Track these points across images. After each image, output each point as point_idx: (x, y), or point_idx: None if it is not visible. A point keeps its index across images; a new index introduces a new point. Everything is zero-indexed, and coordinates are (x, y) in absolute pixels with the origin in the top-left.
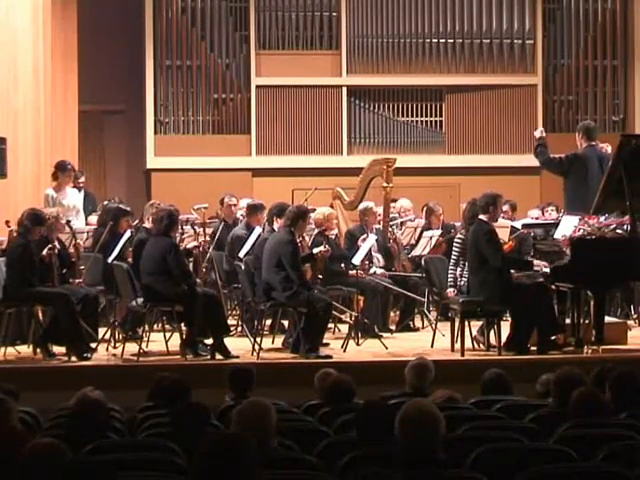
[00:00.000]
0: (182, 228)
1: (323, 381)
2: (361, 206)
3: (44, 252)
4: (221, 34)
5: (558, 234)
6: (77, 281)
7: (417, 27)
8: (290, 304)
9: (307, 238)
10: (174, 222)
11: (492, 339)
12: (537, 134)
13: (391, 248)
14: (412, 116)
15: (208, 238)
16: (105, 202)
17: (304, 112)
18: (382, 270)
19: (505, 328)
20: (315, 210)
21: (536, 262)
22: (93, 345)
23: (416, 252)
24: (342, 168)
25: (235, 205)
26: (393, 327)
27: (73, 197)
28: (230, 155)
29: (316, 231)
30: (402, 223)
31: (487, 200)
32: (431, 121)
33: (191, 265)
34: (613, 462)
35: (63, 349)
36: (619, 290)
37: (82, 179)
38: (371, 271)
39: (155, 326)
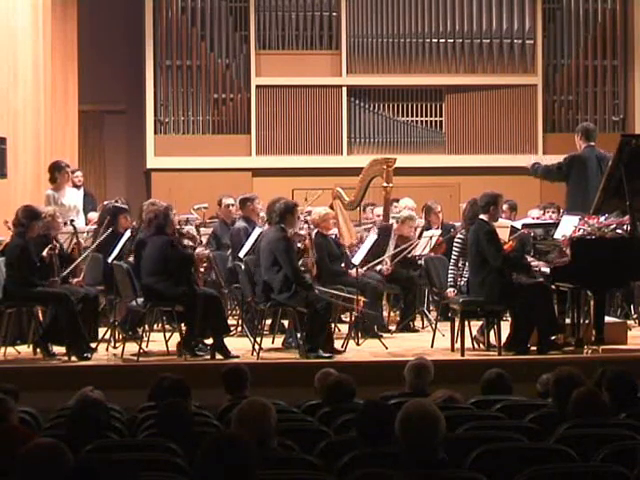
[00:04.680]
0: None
1: (323, 381)
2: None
3: (44, 253)
4: (221, 34)
5: (558, 234)
6: (76, 280)
7: (417, 27)
8: (290, 304)
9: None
10: (166, 218)
11: (492, 339)
12: (530, 161)
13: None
14: (412, 116)
15: (207, 238)
16: (105, 202)
17: (304, 112)
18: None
19: (505, 328)
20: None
21: (535, 262)
22: (93, 345)
23: (416, 252)
24: (342, 168)
25: (232, 205)
26: (393, 327)
27: (73, 197)
28: (230, 155)
29: (315, 231)
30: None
31: (488, 200)
32: (431, 121)
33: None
34: (613, 462)
35: (63, 349)
36: (619, 290)
37: (77, 173)
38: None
39: (155, 326)
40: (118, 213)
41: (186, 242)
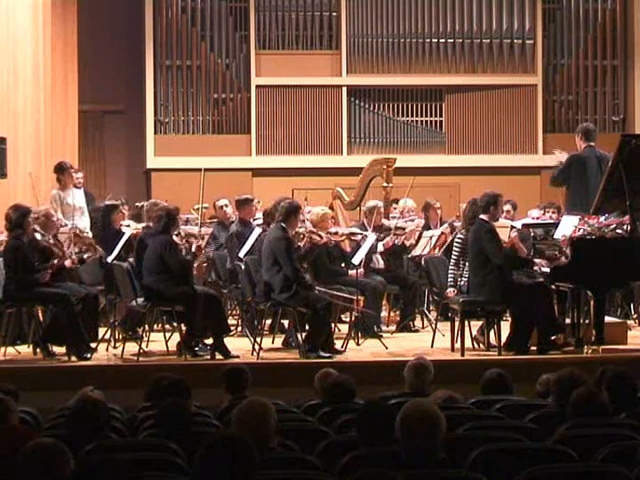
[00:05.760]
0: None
1: (323, 381)
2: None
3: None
4: (221, 34)
5: (558, 234)
6: (68, 260)
7: (417, 27)
8: (290, 304)
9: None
10: (173, 220)
11: (492, 339)
12: (557, 157)
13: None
14: (412, 116)
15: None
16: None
17: (304, 112)
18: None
19: (505, 328)
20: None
21: (536, 261)
22: (93, 345)
23: (416, 252)
24: (342, 168)
25: (227, 205)
26: (393, 327)
27: (78, 197)
28: (230, 155)
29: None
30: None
31: (488, 200)
32: (431, 121)
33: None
34: (613, 462)
35: (63, 349)
36: (619, 290)
37: (79, 174)
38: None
39: (155, 326)
40: (110, 212)
41: (192, 240)
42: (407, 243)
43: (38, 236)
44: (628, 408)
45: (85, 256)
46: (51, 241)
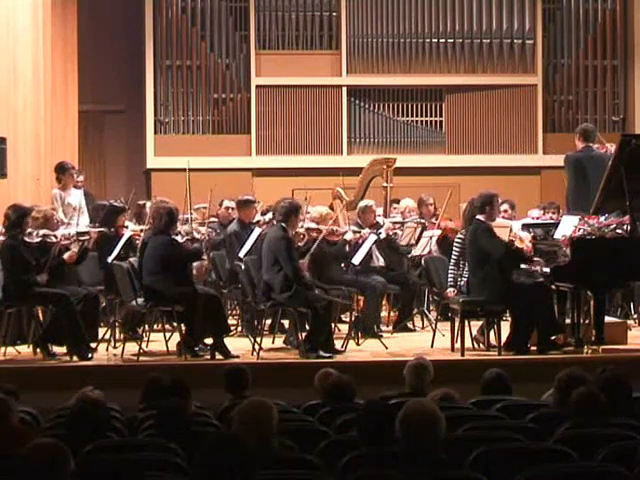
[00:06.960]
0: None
1: (323, 381)
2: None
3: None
4: (221, 34)
5: (558, 234)
6: (68, 255)
7: (417, 27)
8: (290, 304)
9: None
10: (173, 220)
11: (492, 339)
12: None
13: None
14: (412, 116)
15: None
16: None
17: (304, 112)
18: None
19: (505, 328)
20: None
21: (536, 260)
22: (93, 345)
23: (416, 252)
24: (342, 168)
25: (233, 208)
26: (391, 327)
27: (78, 197)
28: (230, 155)
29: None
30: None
31: (483, 200)
32: (431, 121)
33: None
34: (613, 462)
35: (63, 349)
36: (619, 290)
37: (80, 177)
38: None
39: (155, 326)
40: (117, 213)
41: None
42: (403, 243)
43: (33, 239)
44: (624, 410)
45: (85, 243)
46: (41, 232)
